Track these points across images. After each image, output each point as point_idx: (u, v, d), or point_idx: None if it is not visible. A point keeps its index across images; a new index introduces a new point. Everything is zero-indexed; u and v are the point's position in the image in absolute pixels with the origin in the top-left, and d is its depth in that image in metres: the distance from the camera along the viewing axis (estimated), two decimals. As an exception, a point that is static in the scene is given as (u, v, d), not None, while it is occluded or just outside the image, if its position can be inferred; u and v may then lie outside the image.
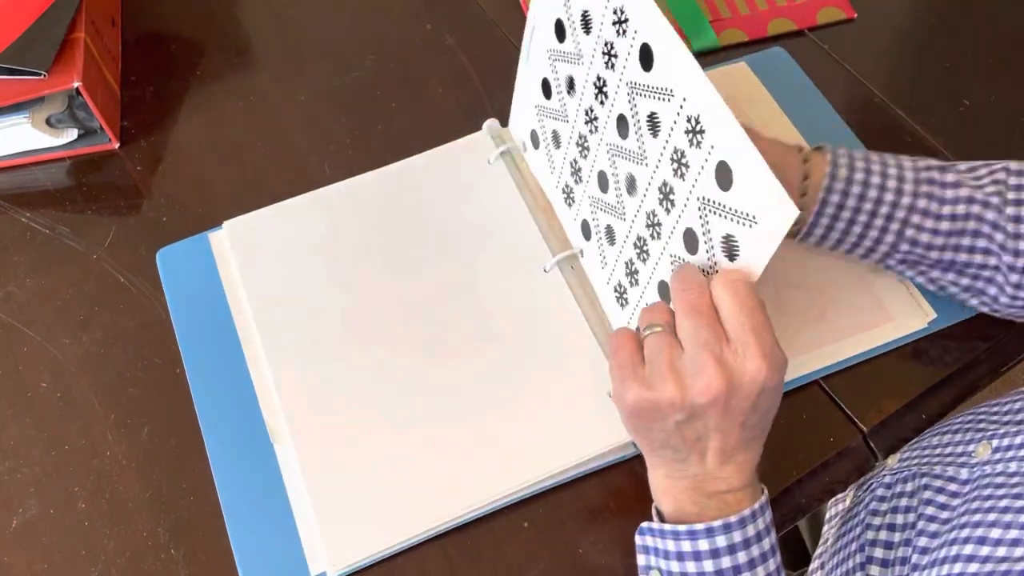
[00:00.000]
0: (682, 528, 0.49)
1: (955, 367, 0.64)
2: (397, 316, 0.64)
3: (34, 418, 0.63)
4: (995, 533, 0.47)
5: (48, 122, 0.73)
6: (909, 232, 0.57)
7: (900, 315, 0.65)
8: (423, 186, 0.70)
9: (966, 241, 0.57)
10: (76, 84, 0.69)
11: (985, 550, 0.47)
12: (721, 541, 0.48)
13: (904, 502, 0.58)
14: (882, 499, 0.60)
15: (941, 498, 0.53)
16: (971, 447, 0.55)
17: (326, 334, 0.63)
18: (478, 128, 0.72)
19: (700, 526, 0.48)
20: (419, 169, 0.71)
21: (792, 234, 0.60)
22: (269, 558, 0.56)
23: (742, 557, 0.48)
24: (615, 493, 0.59)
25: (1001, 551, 0.46)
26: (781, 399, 0.49)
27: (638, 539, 0.52)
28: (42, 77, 0.68)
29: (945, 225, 0.57)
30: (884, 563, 0.57)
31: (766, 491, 0.51)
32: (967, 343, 0.65)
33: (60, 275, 0.69)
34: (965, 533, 0.49)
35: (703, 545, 0.48)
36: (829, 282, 0.66)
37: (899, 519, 0.57)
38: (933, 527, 0.52)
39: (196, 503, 0.59)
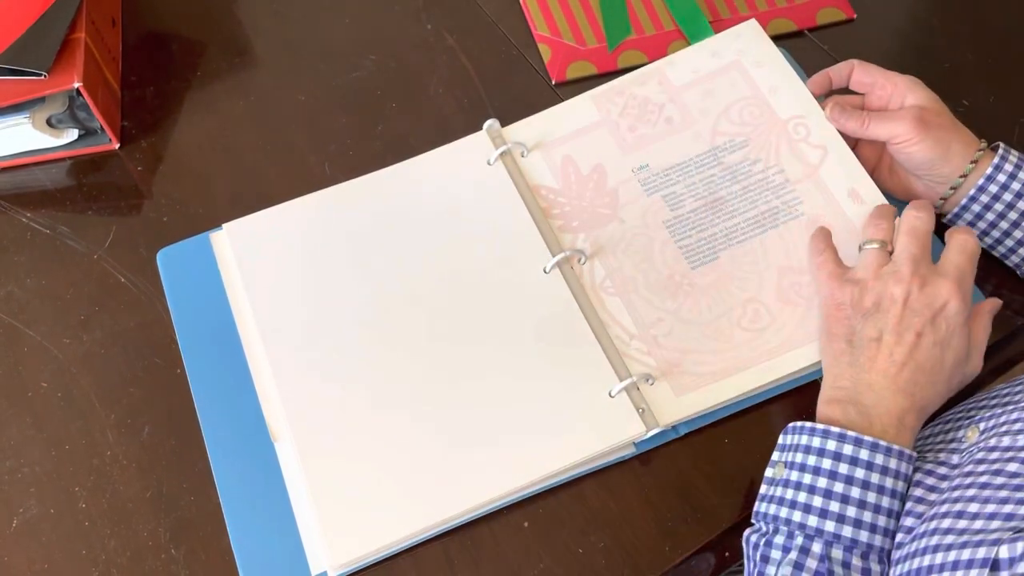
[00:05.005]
0: (834, 429, 0.53)
1: (955, 367, 0.64)
2: (396, 317, 0.64)
3: (34, 418, 0.63)
4: (973, 507, 0.47)
5: (49, 122, 0.73)
6: None
7: None
8: (423, 186, 0.70)
9: None
10: (76, 84, 0.69)
11: (962, 523, 0.47)
12: (850, 451, 0.52)
13: None
14: None
15: (930, 480, 0.53)
16: (961, 433, 0.55)
17: (326, 334, 0.63)
18: (478, 128, 0.72)
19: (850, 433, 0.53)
20: (419, 169, 0.71)
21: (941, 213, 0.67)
22: (269, 558, 0.56)
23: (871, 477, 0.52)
24: (615, 493, 0.59)
25: (977, 524, 0.46)
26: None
27: (787, 436, 0.56)
28: (42, 77, 0.68)
29: None
30: None
31: (913, 456, 0.53)
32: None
33: (60, 275, 0.69)
34: (945, 508, 0.49)
35: (846, 450, 0.52)
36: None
37: None
38: (921, 508, 0.51)
39: (196, 503, 0.59)
